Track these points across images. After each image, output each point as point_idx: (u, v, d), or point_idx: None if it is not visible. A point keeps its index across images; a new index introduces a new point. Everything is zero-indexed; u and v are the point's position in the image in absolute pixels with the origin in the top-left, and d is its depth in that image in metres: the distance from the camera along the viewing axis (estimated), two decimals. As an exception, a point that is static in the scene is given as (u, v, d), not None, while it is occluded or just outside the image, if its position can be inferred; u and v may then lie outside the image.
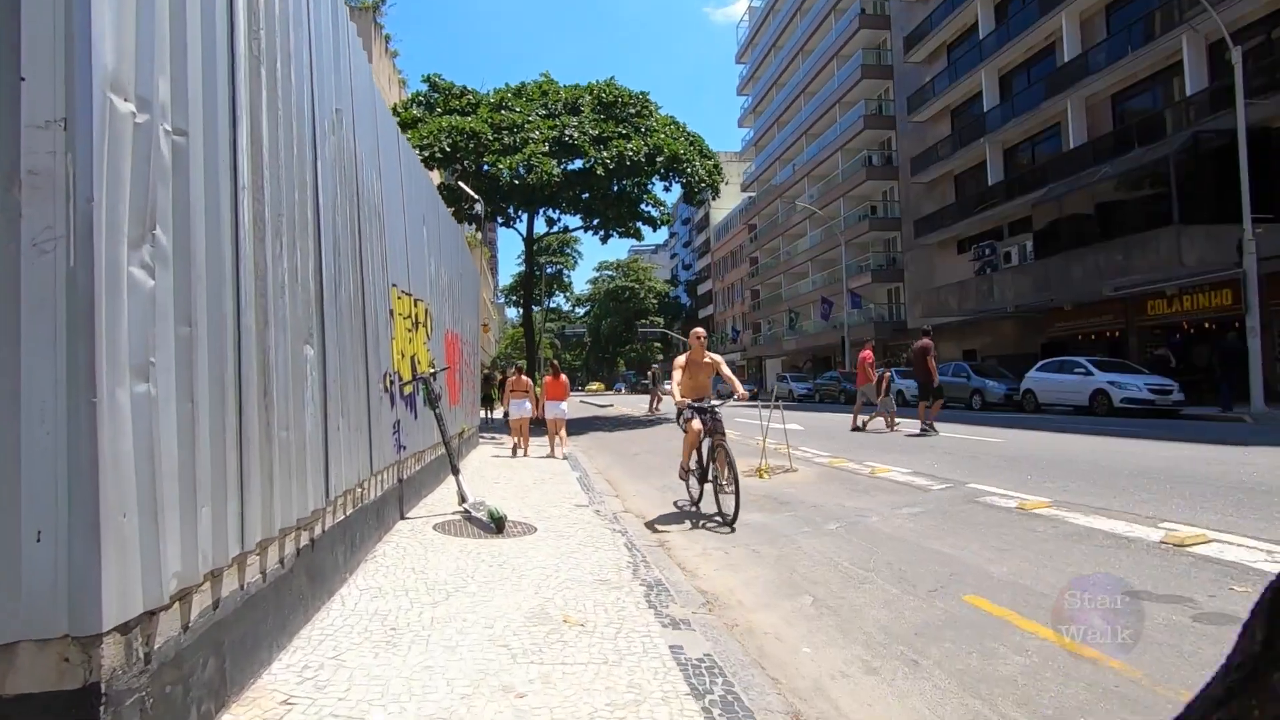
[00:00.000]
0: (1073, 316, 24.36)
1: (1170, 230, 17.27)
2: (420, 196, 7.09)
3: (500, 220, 23.04)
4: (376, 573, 4.03)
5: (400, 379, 5.65)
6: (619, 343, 78.44)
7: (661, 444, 13.26)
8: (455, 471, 5.88)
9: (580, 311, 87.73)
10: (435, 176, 23.13)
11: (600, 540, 5.07)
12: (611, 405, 35.97)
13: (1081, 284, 20.47)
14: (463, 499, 5.78)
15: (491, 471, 9.45)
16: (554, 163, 18.10)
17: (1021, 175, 26.07)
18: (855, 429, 13.29)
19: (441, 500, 6.81)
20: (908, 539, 4.80)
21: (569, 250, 58.03)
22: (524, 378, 11.92)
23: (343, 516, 3.77)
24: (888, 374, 13.71)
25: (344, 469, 3.69)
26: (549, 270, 57.32)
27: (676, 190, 22.26)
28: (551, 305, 69.53)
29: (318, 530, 3.29)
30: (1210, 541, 4.03)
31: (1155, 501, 5.24)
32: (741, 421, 17.99)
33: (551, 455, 11.19)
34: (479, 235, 57.77)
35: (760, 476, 8.14)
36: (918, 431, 11.61)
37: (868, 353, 14.26)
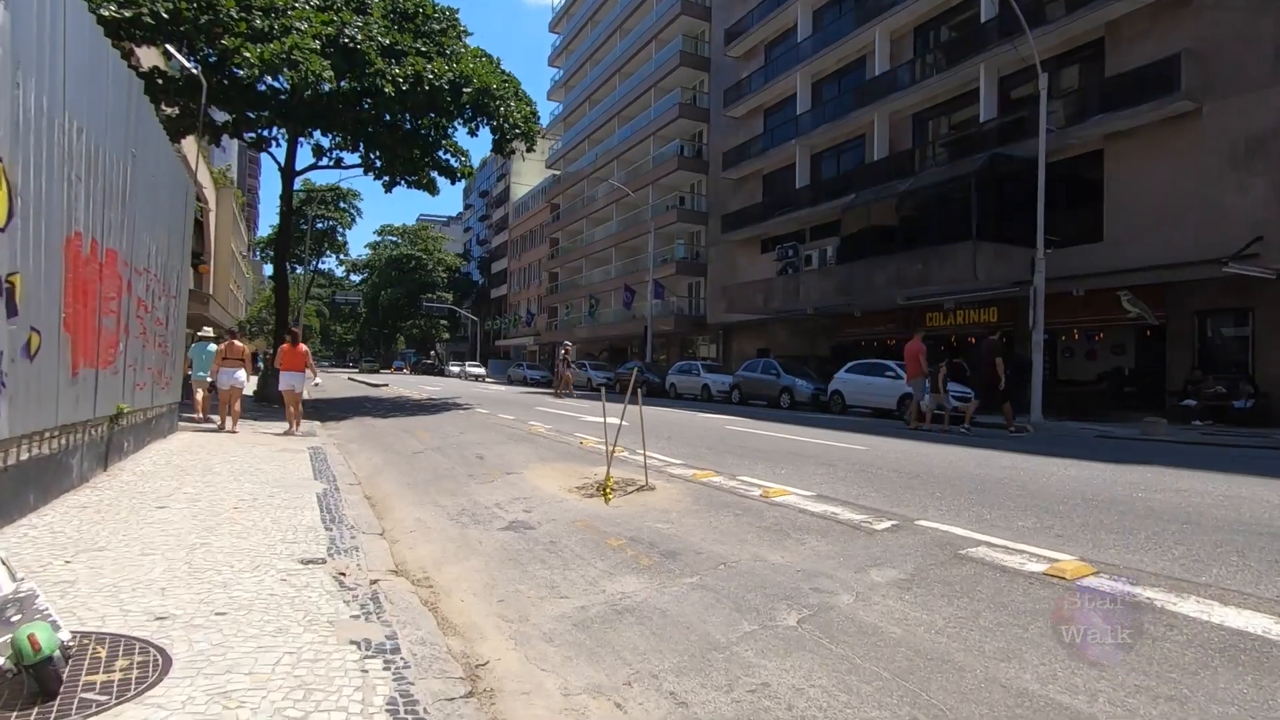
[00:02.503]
0: (861, 323, 25.41)
1: (968, 245, 18.03)
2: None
3: (250, 138, 17.76)
4: None
5: None
6: (400, 317, 71.25)
7: (453, 437, 10.15)
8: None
9: (356, 279, 78.33)
10: (148, 57, 17.17)
11: (329, 698, 2.14)
12: (386, 385, 31.20)
13: (882, 290, 20.99)
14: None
15: (169, 482, 5.75)
16: (326, 64, 13.83)
17: (827, 181, 26.73)
18: (915, 427, 12.40)
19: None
20: (956, 659, 2.56)
21: (346, 205, 50.46)
22: (238, 343, 10.26)
23: None
24: (944, 368, 12.86)
25: None
26: (320, 225, 49.36)
27: (484, 139, 19.00)
28: (322, 267, 60.69)
29: None
30: None
31: (1218, 562, 3.62)
32: (551, 412, 15.35)
33: (290, 433, 9.84)
34: (229, 172, 47.86)
35: (605, 497, 5.61)
36: (964, 429, 11.79)
37: (918, 343, 13.02)
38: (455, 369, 53.18)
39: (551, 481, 6.42)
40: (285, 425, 10.15)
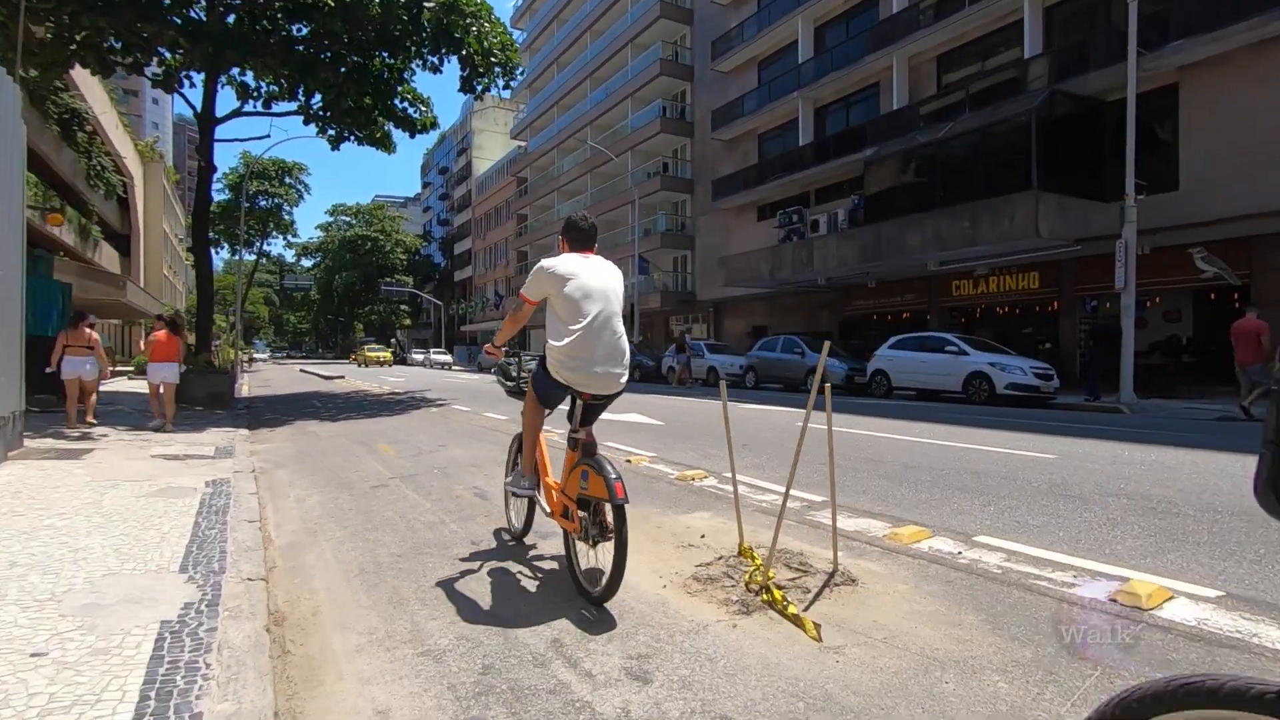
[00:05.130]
0: (873, 295, 22.93)
1: (1028, 196, 15.44)
2: None
3: (155, 75, 14.14)
4: None
5: None
6: (357, 303, 66.80)
7: (430, 453, 7.09)
8: None
9: (308, 263, 73.29)
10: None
11: None
12: (342, 377, 27.70)
13: (916, 253, 18.35)
14: None
15: None
16: (239, -45, 10.44)
17: (834, 137, 23.93)
18: (1248, 418, 10.47)
19: None
20: None
21: (292, 180, 45.95)
22: (88, 330, 8.83)
23: None
24: None
25: None
26: (263, 203, 44.86)
27: (450, 78, 15.68)
28: (268, 250, 55.93)
29: None
30: None
31: None
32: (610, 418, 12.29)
33: (164, 427, 8.88)
34: (156, 144, 42.97)
35: (778, 602, 2.71)
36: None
37: (1255, 320, 10.63)
38: (419, 357, 49.43)
39: (634, 558, 3.47)
40: (200, 439, 8.23)
